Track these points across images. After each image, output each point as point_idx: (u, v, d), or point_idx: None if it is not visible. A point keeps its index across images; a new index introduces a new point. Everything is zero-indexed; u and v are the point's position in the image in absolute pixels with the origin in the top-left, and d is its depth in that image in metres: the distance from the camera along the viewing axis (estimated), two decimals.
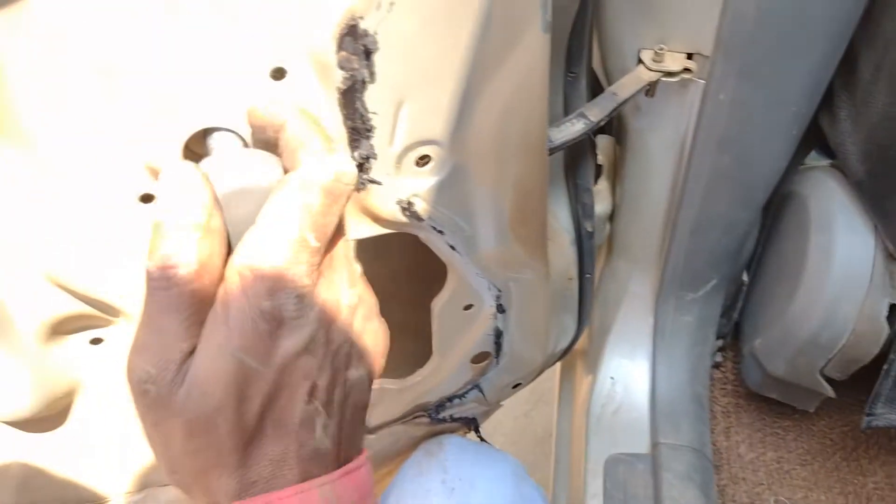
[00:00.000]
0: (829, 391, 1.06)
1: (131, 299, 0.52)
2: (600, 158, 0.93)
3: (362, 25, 0.42)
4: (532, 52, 0.50)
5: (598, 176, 0.94)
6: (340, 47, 0.43)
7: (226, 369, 0.37)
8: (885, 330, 0.94)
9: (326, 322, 0.40)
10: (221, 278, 0.38)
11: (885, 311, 0.94)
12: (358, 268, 0.46)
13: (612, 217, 0.99)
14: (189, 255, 0.36)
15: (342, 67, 0.44)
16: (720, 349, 1.26)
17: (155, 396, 0.37)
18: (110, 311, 0.53)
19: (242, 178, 0.40)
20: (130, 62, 0.40)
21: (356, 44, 0.43)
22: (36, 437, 0.63)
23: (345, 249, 0.44)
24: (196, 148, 0.44)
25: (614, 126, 0.94)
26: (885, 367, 0.96)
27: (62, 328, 0.54)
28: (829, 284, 0.96)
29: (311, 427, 0.40)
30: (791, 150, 0.86)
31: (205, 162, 0.41)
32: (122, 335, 0.56)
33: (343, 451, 0.43)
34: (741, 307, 1.19)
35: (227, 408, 0.37)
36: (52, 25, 0.38)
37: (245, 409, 0.38)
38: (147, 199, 0.46)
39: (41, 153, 0.42)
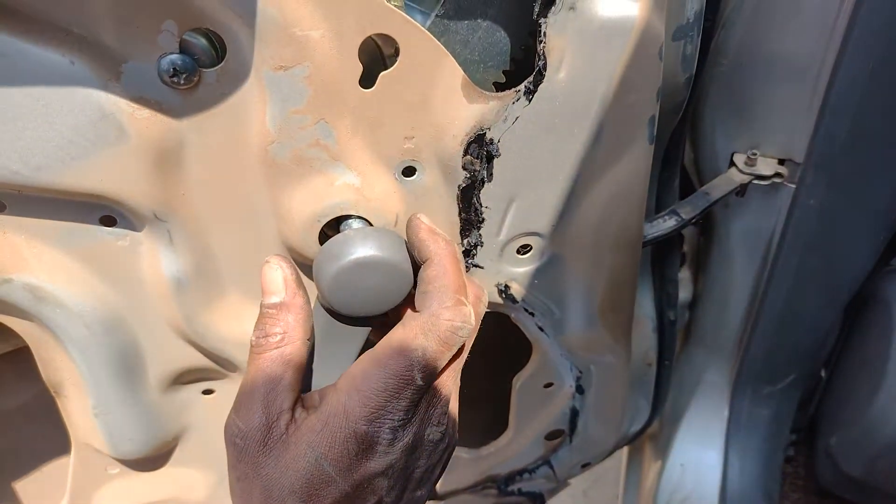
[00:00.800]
0: None
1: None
2: (683, 247, 0.95)
3: (488, 135, 0.47)
4: (637, 160, 0.53)
5: (681, 264, 0.96)
6: (466, 152, 0.48)
7: (306, 468, 0.41)
8: None
9: (409, 452, 0.43)
10: (305, 346, 0.44)
11: None
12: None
13: (691, 305, 1.00)
14: (273, 327, 0.43)
15: (465, 168, 0.49)
16: (793, 443, 1.23)
17: (242, 450, 0.42)
18: (229, 366, 0.58)
19: (365, 250, 0.44)
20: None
21: (481, 150, 0.48)
22: (140, 475, 0.68)
23: (451, 383, 0.45)
24: (332, 232, 0.48)
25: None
26: None
27: (183, 378, 0.59)
28: None
29: None
30: (878, 253, 0.86)
31: (334, 239, 0.46)
32: (232, 387, 0.61)
33: None
34: (817, 402, 1.17)
35: (295, 498, 0.41)
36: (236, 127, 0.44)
37: None
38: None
39: (203, 234, 0.48)
